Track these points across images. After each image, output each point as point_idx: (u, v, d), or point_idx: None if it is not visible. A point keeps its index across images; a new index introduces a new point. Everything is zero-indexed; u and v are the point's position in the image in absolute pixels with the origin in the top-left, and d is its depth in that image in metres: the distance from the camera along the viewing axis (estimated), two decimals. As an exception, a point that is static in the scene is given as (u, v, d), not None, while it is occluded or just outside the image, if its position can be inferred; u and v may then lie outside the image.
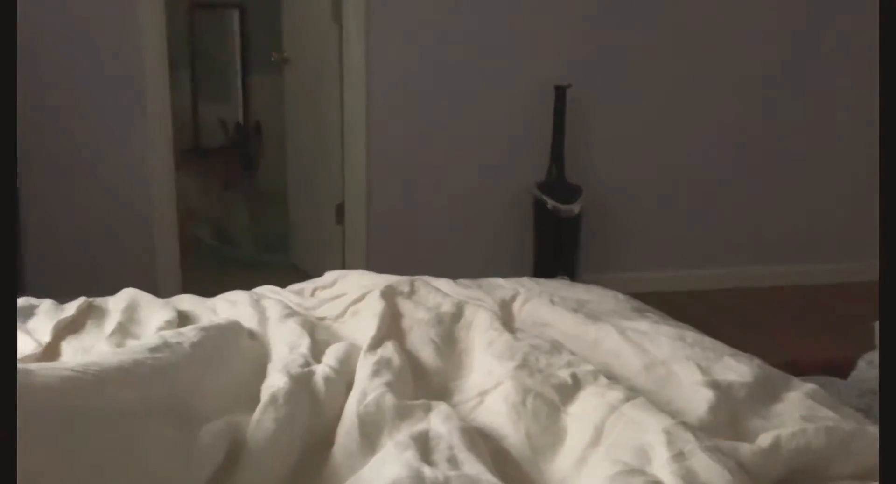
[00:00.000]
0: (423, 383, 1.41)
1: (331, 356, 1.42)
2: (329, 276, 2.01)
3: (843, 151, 4.23)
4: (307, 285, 1.99)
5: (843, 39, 4.10)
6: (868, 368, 1.77)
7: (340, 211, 4.00)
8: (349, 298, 1.79)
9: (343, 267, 3.81)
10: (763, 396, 1.31)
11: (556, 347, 1.49)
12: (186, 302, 1.85)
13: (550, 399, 1.27)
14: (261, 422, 1.15)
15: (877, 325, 1.63)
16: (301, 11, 4.26)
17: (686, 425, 1.14)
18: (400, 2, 3.75)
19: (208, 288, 2.12)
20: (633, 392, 1.27)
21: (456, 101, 3.87)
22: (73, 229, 3.63)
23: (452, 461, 1.09)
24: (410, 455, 1.08)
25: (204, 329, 1.42)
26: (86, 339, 1.60)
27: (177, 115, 5.25)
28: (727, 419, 1.23)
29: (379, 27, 3.74)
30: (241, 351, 1.46)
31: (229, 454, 1.10)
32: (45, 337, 1.56)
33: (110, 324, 1.65)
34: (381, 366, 1.36)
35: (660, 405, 1.23)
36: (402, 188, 3.91)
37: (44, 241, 3.58)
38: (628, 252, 4.17)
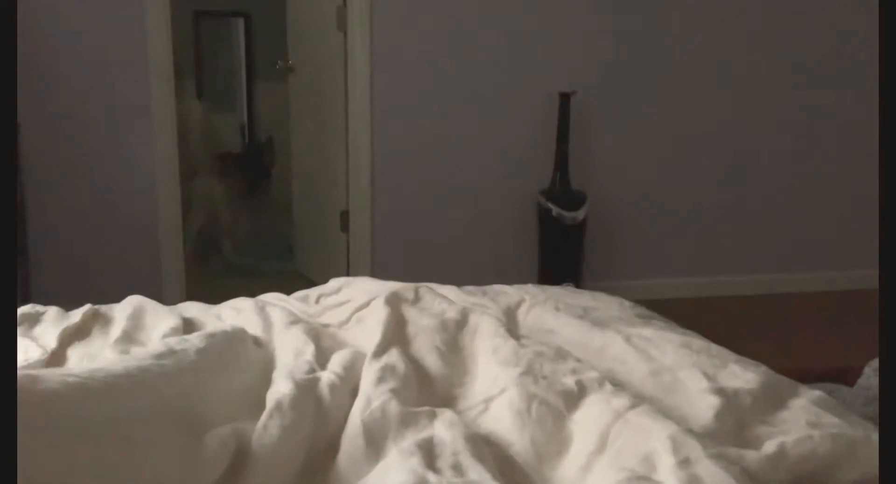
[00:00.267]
0: (427, 390, 1.41)
1: (336, 363, 1.42)
2: (334, 283, 2.02)
3: (854, 159, 4.22)
4: (312, 292, 1.99)
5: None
6: (874, 375, 1.76)
7: (345, 218, 4.01)
8: (354, 305, 1.79)
9: (347, 274, 3.81)
10: (769, 403, 1.31)
11: (561, 354, 1.49)
12: (192, 309, 1.85)
13: (555, 406, 1.27)
14: (266, 428, 1.15)
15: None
16: (306, 20, 4.28)
17: (691, 432, 1.13)
18: (404, 10, 3.76)
19: (213, 295, 2.12)
20: (638, 399, 1.27)
21: (460, 109, 3.87)
22: (79, 237, 3.64)
23: (457, 468, 1.09)
24: (415, 462, 1.08)
25: (209, 336, 1.42)
26: (92, 346, 1.61)
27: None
28: (733, 426, 1.23)
29: (383, 35, 3.75)
30: (246, 358, 1.47)
31: (235, 460, 1.11)
32: (51, 344, 1.57)
33: (116, 331, 1.65)
34: (386, 373, 1.36)
35: (665, 412, 1.23)
36: (407, 195, 3.91)
37: (49, 248, 3.59)
38: (633, 259, 4.17)
